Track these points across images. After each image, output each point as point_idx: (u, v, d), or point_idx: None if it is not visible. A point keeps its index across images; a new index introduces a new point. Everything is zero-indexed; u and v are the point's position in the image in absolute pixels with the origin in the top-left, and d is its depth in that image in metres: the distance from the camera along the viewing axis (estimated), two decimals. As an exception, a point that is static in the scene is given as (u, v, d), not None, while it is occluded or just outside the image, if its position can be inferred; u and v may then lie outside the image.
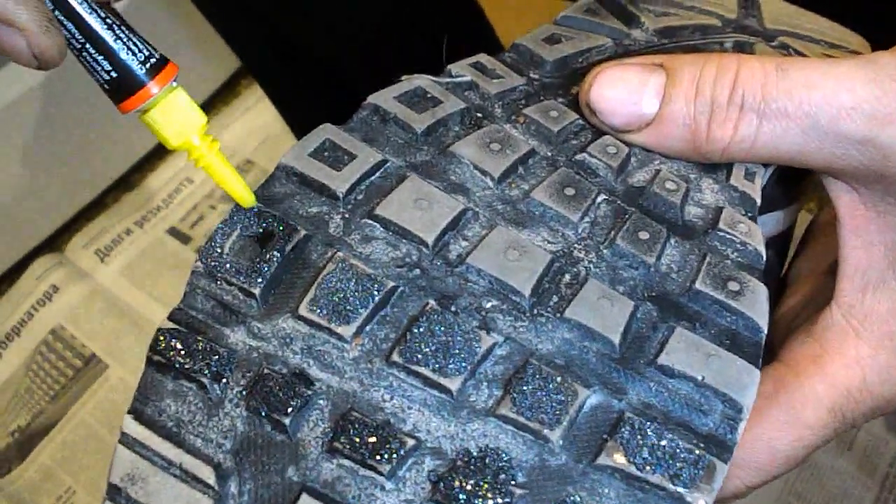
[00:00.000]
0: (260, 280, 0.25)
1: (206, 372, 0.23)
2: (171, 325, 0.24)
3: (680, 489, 0.22)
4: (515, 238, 0.26)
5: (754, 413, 0.29)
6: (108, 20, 0.25)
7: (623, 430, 0.23)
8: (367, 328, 0.24)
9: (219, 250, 0.25)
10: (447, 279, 0.25)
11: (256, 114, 0.99)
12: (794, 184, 0.34)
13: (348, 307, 0.24)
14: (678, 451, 0.22)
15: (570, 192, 0.27)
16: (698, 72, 0.28)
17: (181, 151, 0.26)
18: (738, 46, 0.34)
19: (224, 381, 0.23)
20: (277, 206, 0.26)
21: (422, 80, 0.30)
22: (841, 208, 0.29)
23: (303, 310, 0.24)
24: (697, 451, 0.22)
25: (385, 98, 0.29)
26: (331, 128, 0.28)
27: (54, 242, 0.93)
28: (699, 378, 0.24)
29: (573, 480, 0.22)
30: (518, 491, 0.22)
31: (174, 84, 0.26)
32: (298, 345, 0.24)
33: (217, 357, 0.24)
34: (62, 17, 0.24)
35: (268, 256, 0.25)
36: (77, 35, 0.25)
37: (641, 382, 0.24)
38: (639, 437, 0.22)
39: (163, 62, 0.26)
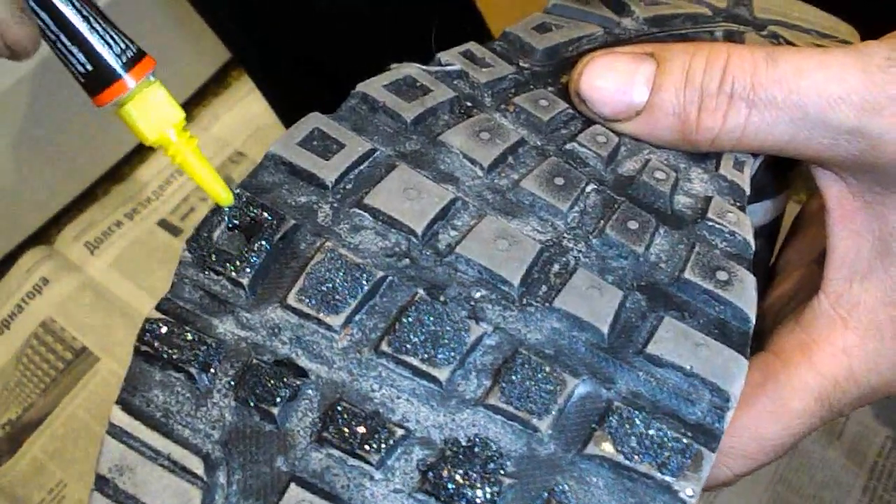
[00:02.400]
0: (248, 270, 0.24)
1: (194, 362, 0.23)
2: (158, 315, 0.24)
3: (667, 478, 0.22)
4: (505, 228, 0.26)
5: (742, 402, 0.29)
6: (83, 11, 0.24)
7: (611, 419, 0.23)
8: (356, 318, 0.24)
9: (207, 240, 0.25)
10: (436, 269, 0.25)
11: (247, 105, 0.99)
12: (783, 172, 0.34)
13: (337, 297, 0.24)
14: (666, 439, 0.22)
15: (559, 181, 0.27)
16: (688, 61, 0.28)
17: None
18: (728, 35, 0.34)
19: (212, 371, 0.23)
20: (266, 195, 0.26)
21: (411, 69, 0.30)
22: (829, 198, 0.29)
23: (291, 300, 0.24)
24: (685, 440, 0.22)
25: (374, 87, 0.29)
26: (319, 117, 0.27)
27: (44, 235, 0.92)
28: (687, 367, 0.24)
29: (562, 469, 0.22)
30: (507, 480, 0.22)
31: (152, 78, 0.25)
32: (287, 335, 0.24)
33: (205, 347, 0.23)
34: (36, 7, 0.24)
35: (256, 246, 0.25)
36: (51, 25, 0.24)
37: (630, 372, 0.24)
38: (627, 426, 0.22)
39: (140, 55, 0.25)
